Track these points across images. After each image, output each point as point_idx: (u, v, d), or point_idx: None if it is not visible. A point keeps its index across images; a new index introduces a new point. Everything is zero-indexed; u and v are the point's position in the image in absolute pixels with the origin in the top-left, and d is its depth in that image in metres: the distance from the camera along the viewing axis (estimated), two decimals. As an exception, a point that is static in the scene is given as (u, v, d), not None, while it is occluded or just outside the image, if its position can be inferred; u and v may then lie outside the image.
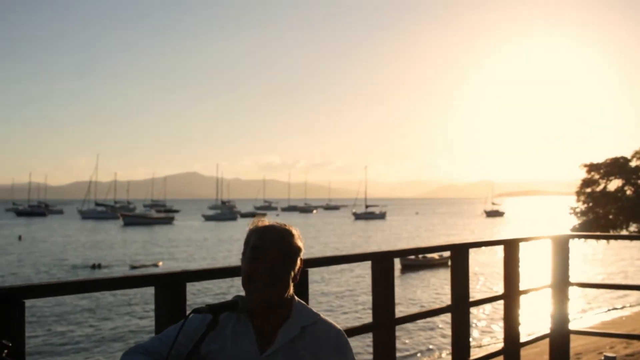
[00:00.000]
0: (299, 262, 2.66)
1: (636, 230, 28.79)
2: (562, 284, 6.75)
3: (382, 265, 4.84)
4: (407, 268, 40.86)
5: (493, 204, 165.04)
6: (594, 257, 47.83)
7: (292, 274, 2.64)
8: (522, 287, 6.32)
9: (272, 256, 2.58)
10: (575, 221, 31.22)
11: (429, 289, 34.35)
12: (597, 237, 26.95)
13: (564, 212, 34.97)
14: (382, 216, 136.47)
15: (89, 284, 3.64)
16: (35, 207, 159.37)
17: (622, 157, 31.06)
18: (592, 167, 31.38)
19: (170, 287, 3.62)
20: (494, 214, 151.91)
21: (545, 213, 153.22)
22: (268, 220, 2.72)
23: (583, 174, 31.66)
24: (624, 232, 29.52)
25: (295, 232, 2.69)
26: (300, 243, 2.68)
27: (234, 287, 26.89)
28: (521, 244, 6.30)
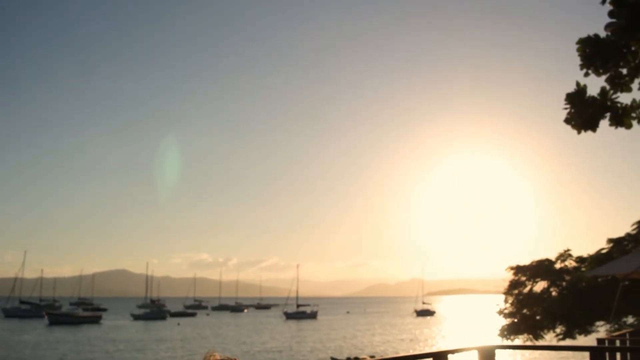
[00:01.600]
0: None
1: (562, 331, 29.37)
2: (488, 394, 7.03)
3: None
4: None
5: (423, 302, 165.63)
6: None
7: None
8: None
9: None
10: (504, 321, 31.70)
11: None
12: (523, 348, 27.47)
13: (492, 311, 35.47)
14: (313, 315, 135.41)
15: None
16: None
17: (547, 260, 31.91)
18: (518, 269, 32.11)
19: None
20: (424, 313, 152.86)
21: (474, 312, 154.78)
22: (219, 354, 2.96)
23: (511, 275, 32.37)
24: (551, 333, 30.06)
25: None
26: None
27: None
28: (450, 356, 6.60)
